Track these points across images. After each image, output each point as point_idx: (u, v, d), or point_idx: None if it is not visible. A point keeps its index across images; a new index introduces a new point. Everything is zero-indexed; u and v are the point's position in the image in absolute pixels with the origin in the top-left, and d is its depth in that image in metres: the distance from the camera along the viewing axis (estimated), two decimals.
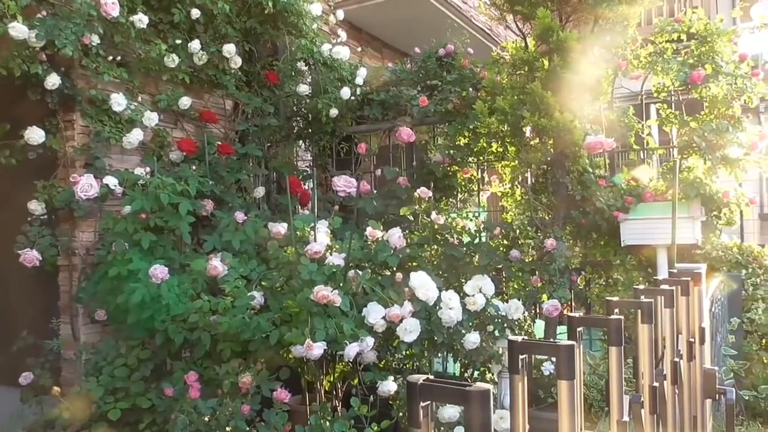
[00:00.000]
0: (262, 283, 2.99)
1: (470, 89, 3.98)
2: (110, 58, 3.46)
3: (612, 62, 3.50)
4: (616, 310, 1.19)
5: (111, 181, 3.29)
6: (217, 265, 2.87)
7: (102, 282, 3.19)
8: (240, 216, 3.41)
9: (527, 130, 3.53)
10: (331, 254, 2.97)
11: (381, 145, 4.52)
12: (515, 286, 3.57)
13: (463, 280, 3.48)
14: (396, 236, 3.03)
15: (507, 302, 3.25)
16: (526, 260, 3.58)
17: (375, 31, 6.32)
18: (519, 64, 3.39)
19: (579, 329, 1.03)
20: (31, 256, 3.15)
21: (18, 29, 2.84)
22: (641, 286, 1.40)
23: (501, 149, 3.84)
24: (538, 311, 3.67)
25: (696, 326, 1.73)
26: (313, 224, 3.01)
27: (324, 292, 2.53)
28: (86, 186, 3.16)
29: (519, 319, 3.12)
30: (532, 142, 3.58)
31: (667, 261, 3.32)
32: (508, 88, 3.35)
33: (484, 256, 3.40)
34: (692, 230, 3.28)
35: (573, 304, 3.76)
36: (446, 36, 4.36)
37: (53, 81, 3.17)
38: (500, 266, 3.51)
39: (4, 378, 3.65)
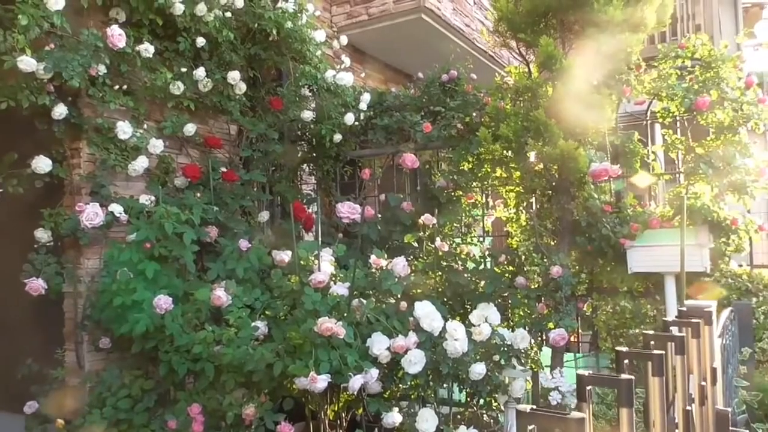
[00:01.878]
0: (266, 312, 2.98)
1: (474, 114, 3.99)
2: (116, 87, 3.48)
3: (616, 88, 3.50)
4: (626, 361, 1.17)
5: (116, 208, 3.30)
6: (221, 295, 2.86)
7: (106, 310, 3.18)
8: (244, 244, 3.41)
9: (531, 156, 3.52)
10: (335, 283, 2.96)
11: (385, 169, 4.52)
12: (521, 313, 3.54)
13: (468, 307, 3.47)
14: (400, 265, 3.02)
15: (513, 330, 3.23)
16: (532, 287, 3.56)
17: (378, 53, 6.36)
18: (522, 90, 3.39)
19: (588, 388, 1.02)
20: (36, 285, 3.14)
21: (27, 62, 2.87)
22: (650, 331, 1.38)
23: (505, 174, 3.84)
24: (544, 338, 3.63)
25: (707, 366, 1.71)
26: (316, 252, 3.00)
27: (328, 325, 2.51)
28: (91, 214, 3.17)
29: (526, 348, 3.09)
30: (536, 168, 3.58)
31: (675, 289, 3.29)
32: (511, 114, 3.35)
33: (489, 283, 3.38)
34: (700, 258, 3.26)
35: (580, 331, 3.72)
36: (449, 59, 4.38)
37: (60, 111, 3.19)
38: (506, 293, 3.48)
39: (9, 405, 3.64)
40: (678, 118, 3.70)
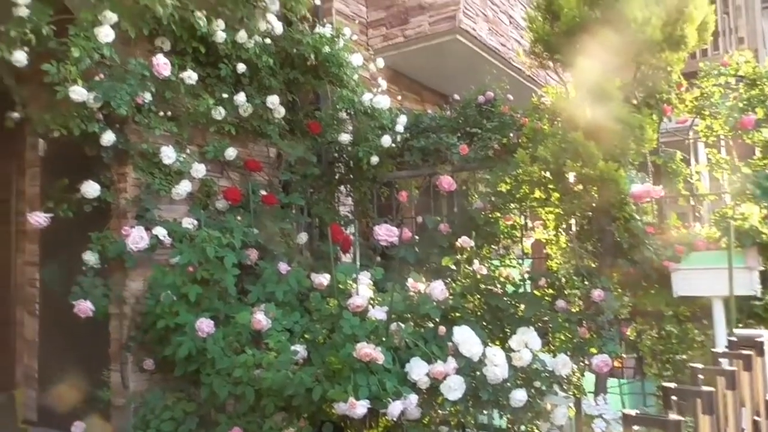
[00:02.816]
0: (305, 335, 3.00)
1: (511, 135, 3.98)
2: (161, 113, 3.60)
3: (656, 108, 3.44)
4: (674, 398, 1.14)
5: (160, 232, 3.38)
6: (261, 318, 2.90)
7: (150, 332, 3.26)
8: (283, 266, 3.45)
9: (570, 176, 3.48)
10: (373, 307, 2.96)
11: (422, 190, 4.53)
12: (562, 337, 3.47)
13: (507, 331, 3.42)
14: (438, 289, 3.01)
15: (554, 355, 3.16)
16: (573, 310, 3.49)
17: (414, 74, 6.41)
18: (560, 111, 3.36)
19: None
20: (84, 307, 3.24)
21: (78, 92, 2.99)
22: (699, 365, 1.34)
23: (544, 195, 3.79)
24: (587, 364, 3.55)
25: (761, 399, 1.65)
26: (355, 276, 3.01)
27: (367, 350, 2.52)
28: (137, 238, 3.26)
29: (567, 374, 3.02)
30: (575, 189, 3.53)
31: (723, 313, 3.19)
32: (549, 135, 3.33)
33: (528, 307, 3.33)
34: (749, 281, 3.15)
35: (624, 356, 3.63)
36: (485, 80, 4.38)
37: (108, 138, 3.31)
38: (546, 317, 3.42)
39: (58, 424, 3.75)
40: (722, 136, 3.61)
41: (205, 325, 2.91)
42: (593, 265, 3.59)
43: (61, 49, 3.00)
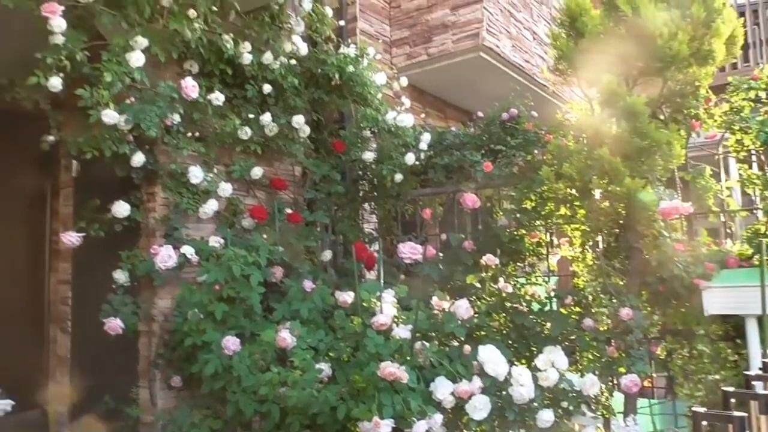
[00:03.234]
0: (330, 353, 3.00)
1: (536, 152, 3.96)
2: (189, 134, 3.68)
3: (685, 123, 3.40)
4: (704, 423, 1.12)
5: (188, 250, 3.44)
6: (285, 336, 2.92)
7: (178, 349, 3.31)
8: (308, 284, 3.47)
9: (597, 193, 3.44)
10: (397, 325, 2.96)
11: (446, 207, 4.53)
12: (590, 356, 3.42)
13: (534, 350, 3.38)
14: (463, 308, 2.99)
15: (582, 374, 3.11)
16: (601, 329, 3.43)
17: (438, 92, 6.45)
18: (585, 128, 3.34)
19: None
20: (114, 325, 3.31)
21: (110, 115, 3.08)
22: (731, 389, 1.31)
23: (570, 212, 3.76)
24: (615, 383, 3.48)
25: None
26: (378, 294, 3.02)
27: (391, 369, 2.51)
28: (165, 256, 3.32)
29: (596, 394, 2.97)
30: (602, 206, 3.49)
31: (758, 332, 3.10)
32: (574, 152, 3.30)
33: (555, 326, 3.29)
34: None
35: (654, 375, 3.55)
36: (509, 96, 4.38)
37: (138, 159, 3.39)
38: (573, 336, 3.37)
39: None
40: (754, 151, 3.54)
41: (230, 342, 2.94)
42: (621, 283, 3.54)
43: (94, 74, 3.09)
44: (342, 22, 4.80)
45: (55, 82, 2.95)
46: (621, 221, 3.47)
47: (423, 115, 5.89)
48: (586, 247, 3.81)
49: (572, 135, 3.61)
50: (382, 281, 3.11)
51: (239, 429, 3.04)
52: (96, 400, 3.63)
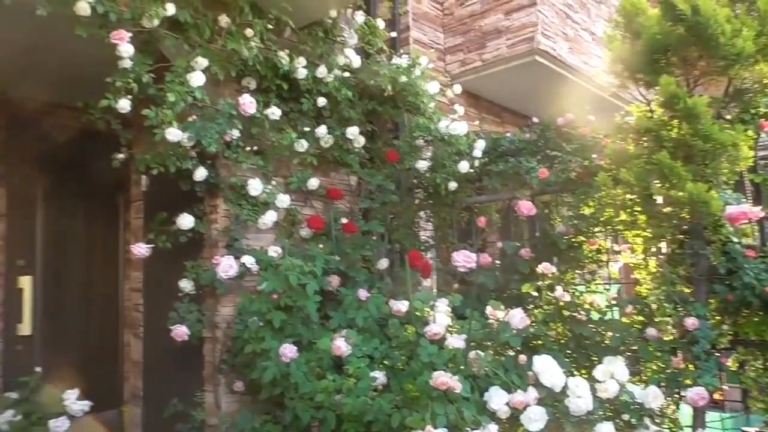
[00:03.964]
0: (385, 362, 3.04)
1: (594, 156, 3.87)
2: (248, 148, 3.81)
3: (752, 123, 3.23)
4: None
5: (248, 260, 3.56)
6: (340, 345, 2.97)
7: (239, 356, 3.43)
8: (363, 293, 3.53)
9: (658, 198, 3.33)
10: (451, 334, 2.96)
11: (502, 215, 4.48)
12: (654, 367, 3.30)
13: (595, 360, 3.30)
14: (517, 318, 2.96)
15: (646, 385, 3.01)
16: (665, 339, 3.31)
17: (493, 97, 6.40)
18: (644, 132, 3.24)
19: None
20: (180, 332, 3.48)
21: (173, 133, 3.25)
22: None
23: (631, 218, 3.64)
24: (682, 396, 3.34)
25: None
26: (432, 303, 3.03)
27: (443, 379, 2.52)
28: (226, 266, 3.45)
29: (658, 406, 2.86)
30: (664, 211, 3.37)
31: None
32: (633, 157, 3.21)
33: (616, 335, 3.20)
34: None
35: (726, 388, 3.38)
36: (566, 98, 4.29)
37: (201, 173, 3.56)
38: (635, 346, 3.27)
39: None
40: None
41: (288, 350, 3.03)
42: (687, 291, 3.40)
43: (159, 95, 3.27)
44: (394, 33, 4.85)
45: (124, 104, 3.13)
46: (685, 227, 3.34)
47: (477, 122, 5.86)
48: (649, 253, 3.68)
49: (632, 138, 3.51)
50: (435, 290, 3.11)
51: None
52: (166, 402, 3.81)
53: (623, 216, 3.64)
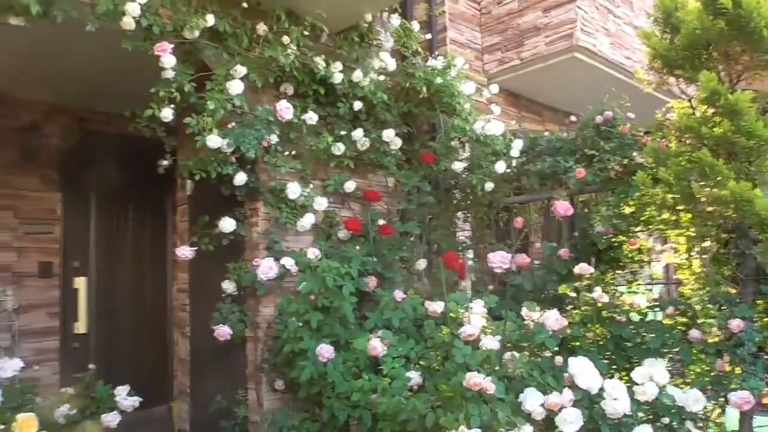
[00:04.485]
0: (420, 362, 3.07)
1: (634, 154, 3.80)
2: (286, 152, 3.90)
3: None
4: None
5: (287, 262, 3.65)
6: (376, 345, 3.02)
7: (279, 355, 3.52)
8: (399, 294, 3.57)
9: (701, 197, 3.24)
10: (485, 336, 2.96)
11: (540, 214, 4.45)
12: (697, 370, 3.22)
13: (635, 362, 3.24)
14: (552, 319, 2.94)
15: (689, 388, 2.94)
16: (709, 341, 3.22)
17: (532, 95, 6.33)
18: (684, 129, 3.16)
19: None
20: (223, 331, 3.60)
21: (214, 140, 3.37)
22: None
23: (673, 217, 3.56)
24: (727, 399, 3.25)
25: None
26: (467, 304, 3.04)
27: (476, 380, 2.53)
28: (266, 268, 3.55)
29: (699, 410, 2.79)
30: (708, 209, 3.28)
31: None
32: (672, 155, 3.13)
33: (656, 337, 3.13)
34: None
35: None
36: (609, 95, 4.20)
37: (241, 178, 3.66)
38: (677, 348, 3.19)
39: None
40: None
41: (325, 350, 3.10)
42: (732, 292, 3.30)
43: (200, 104, 3.39)
44: (429, 35, 4.87)
45: (167, 113, 3.27)
46: (730, 226, 3.24)
47: (514, 122, 5.80)
48: (693, 253, 3.59)
49: (674, 136, 3.43)
50: (469, 291, 3.12)
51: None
52: (211, 399, 3.95)
53: (665, 215, 3.57)
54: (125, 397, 3.41)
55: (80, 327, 5.01)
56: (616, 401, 2.61)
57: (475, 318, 3.01)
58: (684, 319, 3.37)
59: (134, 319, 5.46)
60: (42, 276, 4.92)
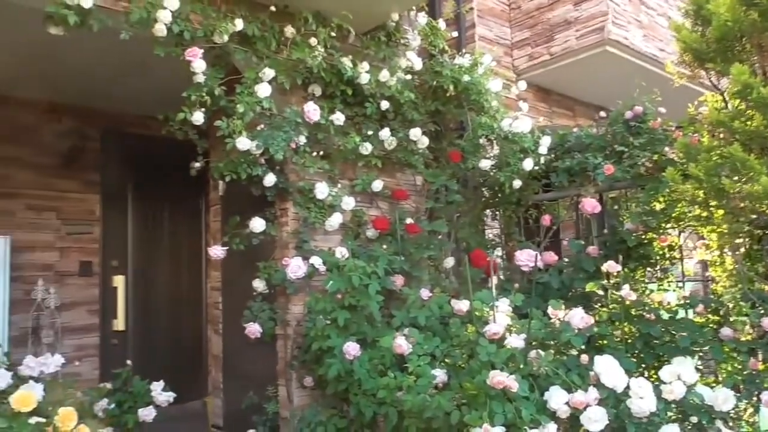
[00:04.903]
0: (446, 360, 3.09)
1: (666, 150, 3.73)
2: (314, 153, 3.97)
3: None
4: None
5: (316, 261, 3.71)
6: (401, 343, 3.06)
7: (308, 353, 3.59)
8: (425, 293, 3.59)
9: (733, 193, 3.17)
10: (510, 334, 2.97)
11: (571, 211, 4.41)
12: (729, 368, 3.16)
13: (665, 360, 3.20)
14: (577, 317, 2.92)
15: (721, 387, 2.89)
16: (742, 339, 3.16)
17: (564, 90, 6.26)
18: (715, 124, 3.10)
19: None
20: (254, 329, 3.69)
21: (243, 142, 3.45)
22: None
23: (704, 213, 3.49)
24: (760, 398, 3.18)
25: None
26: (492, 303, 3.05)
27: (500, 378, 2.54)
28: (295, 267, 3.62)
29: (730, 409, 2.75)
30: (740, 205, 3.21)
31: None
32: (703, 151, 3.08)
33: (684, 335, 3.09)
34: None
35: None
36: (641, 88, 4.13)
37: (270, 179, 3.74)
38: (707, 346, 3.14)
39: (235, 430, 4.26)
40: None
41: (351, 348, 3.15)
42: (766, 289, 3.23)
43: (230, 107, 3.48)
44: (455, 33, 4.86)
45: (198, 117, 3.36)
46: (763, 223, 3.17)
47: (541, 119, 5.75)
48: (725, 250, 3.52)
49: (707, 130, 3.36)
50: (493, 290, 3.13)
51: (362, 429, 3.23)
52: (243, 395, 4.05)
53: (697, 211, 3.50)
54: (160, 392, 3.53)
55: (119, 324, 5.19)
56: (642, 400, 2.59)
57: (500, 316, 3.01)
58: (716, 317, 3.31)
59: (170, 316, 5.63)
60: (82, 275, 5.13)
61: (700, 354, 3.15)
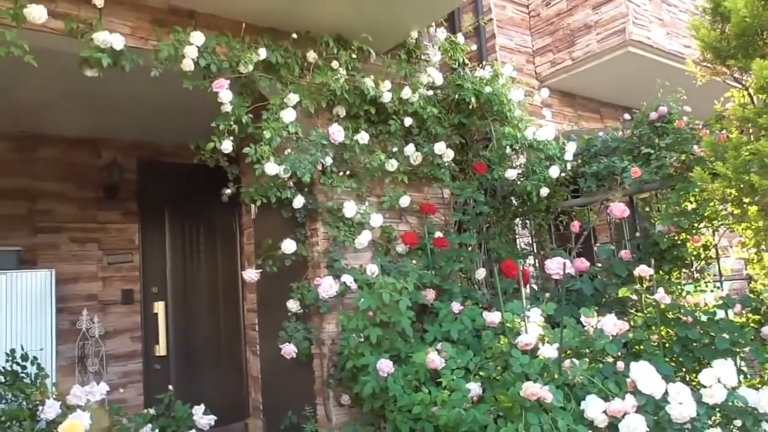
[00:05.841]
0: (480, 373, 3.09)
1: (695, 148, 3.68)
2: (341, 173, 4.04)
3: None
4: None
5: (347, 279, 3.77)
6: (434, 358, 3.07)
7: (344, 371, 3.64)
8: (456, 306, 3.60)
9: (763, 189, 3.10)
10: (543, 344, 2.96)
11: (601, 216, 4.36)
12: None
13: (706, 363, 3.14)
14: (610, 324, 2.90)
15: (765, 388, 2.81)
16: None
17: (589, 93, 6.22)
18: (741, 121, 3.05)
19: None
20: (289, 349, 3.75)
21: (271, 167, 3.54)
22: None
23: (738, 211, 3.42)
24: None
25: None
26: (523, 314, 3.05)
27: (533, 389, 2.54)
28: (327, 286, 3.68)
29: None
30: None
31: None
32: (731, 148, 3.03)
33: (723, 337, 3.02)
34: None
35: None
36: (669, 85, 4.07)
37: (299, 201, 3.82)
38: (748, 347, 3.06)
39: None
40: None
41: (384, 365, 3.18)
42: None
43: (257, 133, 3.58)
44: (475, 46, 4.89)
45: (227, 145, 3.47)
46: None
47: (565, 125, 5.71)
48: (762, 247, 3.43)
49: (735, 127, 3.30)
50: (524, 300, 3.12)
51: None
52: (282, 415, 4.11)
53: (730, 209, 3.44)
54: (201, 416, 3.61)
55: (161, 349, 5.33)
56: (681, 405, 2.54)
57: (532, 326, 3.01)
58: (756, 316, 3.23)
59: (210, 339, 5.76)
60: (125, 303, 5.31)
61: (742, 355, 3.07)
